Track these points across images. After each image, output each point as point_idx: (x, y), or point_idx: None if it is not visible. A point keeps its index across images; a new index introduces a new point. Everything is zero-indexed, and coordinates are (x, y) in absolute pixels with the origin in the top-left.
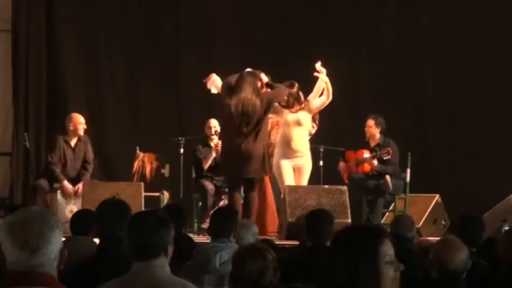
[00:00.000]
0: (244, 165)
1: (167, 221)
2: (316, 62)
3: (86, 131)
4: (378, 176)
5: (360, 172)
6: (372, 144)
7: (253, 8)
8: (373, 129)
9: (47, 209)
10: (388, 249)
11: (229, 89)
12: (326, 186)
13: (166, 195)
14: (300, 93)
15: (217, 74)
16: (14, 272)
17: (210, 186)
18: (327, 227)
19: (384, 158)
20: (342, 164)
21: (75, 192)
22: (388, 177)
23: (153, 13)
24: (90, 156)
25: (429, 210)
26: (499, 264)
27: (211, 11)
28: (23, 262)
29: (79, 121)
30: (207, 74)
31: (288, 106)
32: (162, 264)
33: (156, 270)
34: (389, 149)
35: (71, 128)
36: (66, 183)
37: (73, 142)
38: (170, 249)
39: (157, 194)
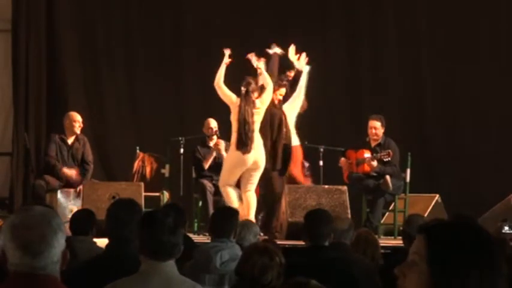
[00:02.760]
0: None
1: (182, 222)
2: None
3: (82, 130)
4: (378, 176)
5: (360, 172)
6: (373, 144)
7: (253, 10)
8: (379, 130)
9: (50, 210)
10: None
11: None
12: (326, 186)
13: (166, 195)
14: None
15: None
16: (16, 273)
17: (209, 186)
18: (325, 227)
19: (384, 160)
20: (343, 160)
21: (77, 194)
22: (387, 177)
23: (153, 13)
24: (89, 157)
25: (429, 210)
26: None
27: (212, 11)
28: (26, 265)
29: (75, 119)
30: (206, 74)
31: None
32: (173, 265)
33: (169, 270)
34: (389, 150)
35: (67, 125)
36: (65, 169)
37: (70, 140)
38: (181, 249)
39: (157, 194)
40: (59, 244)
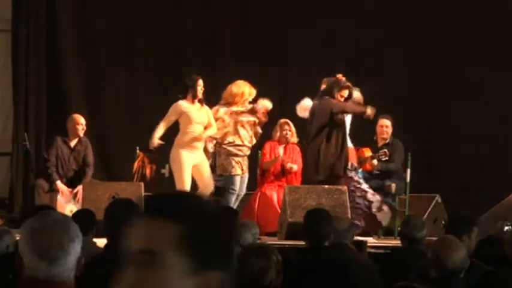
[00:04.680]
0: None
1: None
2: None
3: (86, 133)
4: (382, 176)
5: (363, 171)
6: (381, 143)
7: (253, 11)
8: (389, 129)
9: (68, 217)
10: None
11: None
12: (326, 186)
13: None
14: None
15: (218, 75)
16: (32, 278)
17: None
18: (325, 227)
19: (382, 159)
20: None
21: (74, 195)
22: (393, 185)
23: (153, 13)
24: (91, 159)
25: (429, 210)
26: (503, 263)
27: (212, 12)
28: (41, 271)
29: (78, 122)
30: (207, 74)
31: None
32: None
33: None
34: (385, 150)
35: (71, 128)
36: (59, 183)
37: (73, 143)
38: None
39: None
40: (75, 251)
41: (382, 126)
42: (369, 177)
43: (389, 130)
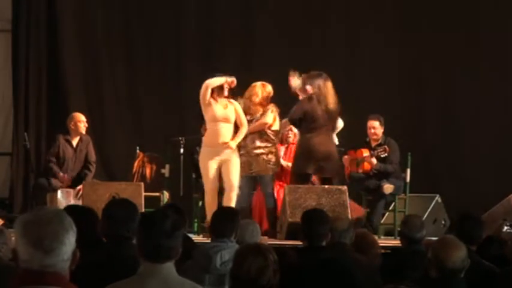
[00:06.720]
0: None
1: (181, 224)
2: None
3: (87, 130)
4: (379, 176)
5: (361, 171)
6: (374, 143)
7: (253, 13)
8: (378, 130)
9: (62, 210)
10: None
11: None
12: (326, 186)
13: (166, 195)
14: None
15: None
16: (26, 270)
17: None
18: (322, 227)
19: (382, 156)
20: (346, 158)
21: (77, 193)
22: (386, 185)
23: (153, 13)
24: (92, 157)
25: (429, 210)
26: (503, 262)
27: (213, 11)
28: (36, 261)
29: (80, 119)
30: (207, 74)
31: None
32: (172, 266)
33: (167, 272)
34: (385, 146)
35: (72, 126)
36: (61, 173)
37: (75, 141)
38: (180, 251)
39: (157, 194)
40: (70, 242)
41: (370, 128)
42: (365, 177)
43: (379, 131)
